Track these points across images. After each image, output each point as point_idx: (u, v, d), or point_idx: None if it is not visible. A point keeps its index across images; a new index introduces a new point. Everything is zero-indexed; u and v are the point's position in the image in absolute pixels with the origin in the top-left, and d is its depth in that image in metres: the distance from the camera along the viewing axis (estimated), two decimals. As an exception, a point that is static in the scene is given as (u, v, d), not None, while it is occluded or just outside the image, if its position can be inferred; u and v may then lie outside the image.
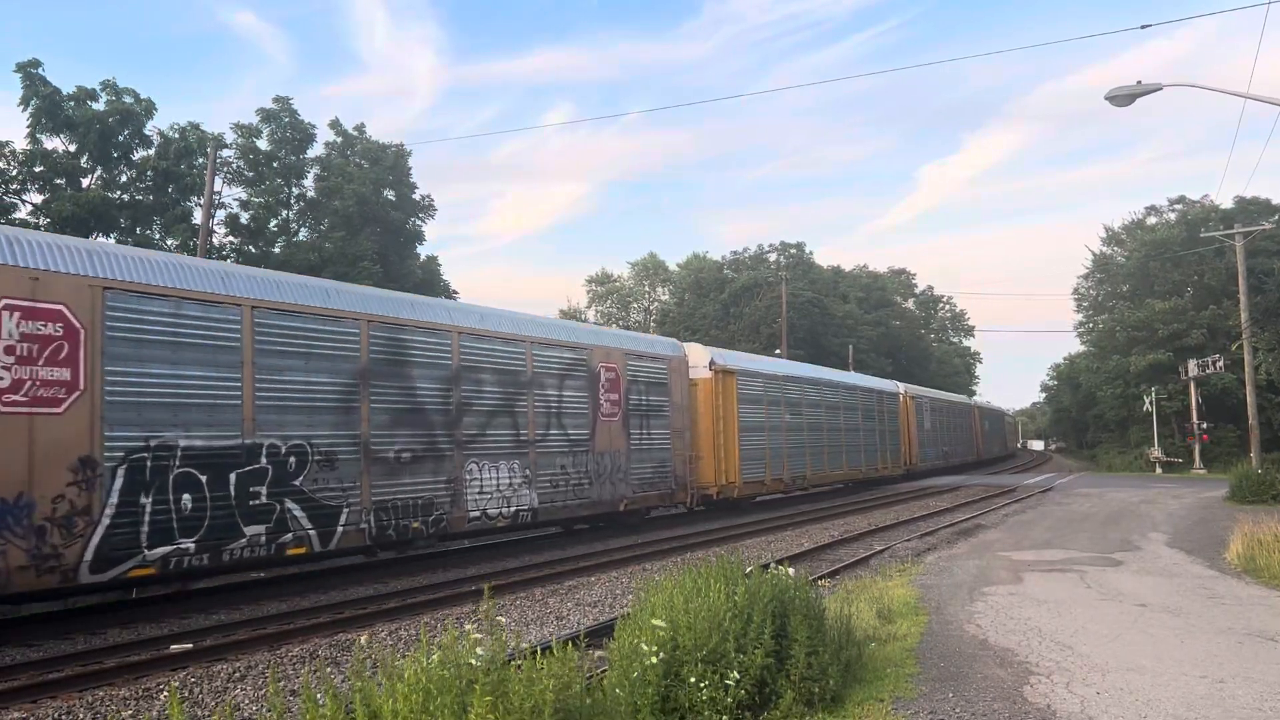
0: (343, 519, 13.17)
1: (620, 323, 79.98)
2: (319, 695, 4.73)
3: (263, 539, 12.00)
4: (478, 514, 15.54)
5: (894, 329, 78.47)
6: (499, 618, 10.47)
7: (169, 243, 32.64)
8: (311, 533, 12.69)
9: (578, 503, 17.92)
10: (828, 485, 32.09)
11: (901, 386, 42.04)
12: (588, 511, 18.30)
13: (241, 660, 9.24)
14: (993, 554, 15.19)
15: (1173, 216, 57.25)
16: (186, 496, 11.20)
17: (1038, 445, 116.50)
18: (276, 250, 36.00)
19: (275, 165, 37.56)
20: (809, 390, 29.74)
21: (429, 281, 40.44)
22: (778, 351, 49.54)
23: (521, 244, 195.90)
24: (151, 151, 32.38)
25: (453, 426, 15.22)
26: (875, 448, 35.68)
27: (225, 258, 34.23)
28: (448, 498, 14.94)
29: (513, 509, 16.28)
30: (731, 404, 24.06)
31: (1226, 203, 52.43)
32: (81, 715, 7.55)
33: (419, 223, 42.11)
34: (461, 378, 15.51)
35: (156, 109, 32.21)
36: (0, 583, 9.48)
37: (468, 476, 15.42)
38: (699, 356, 23.65)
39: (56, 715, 7.54)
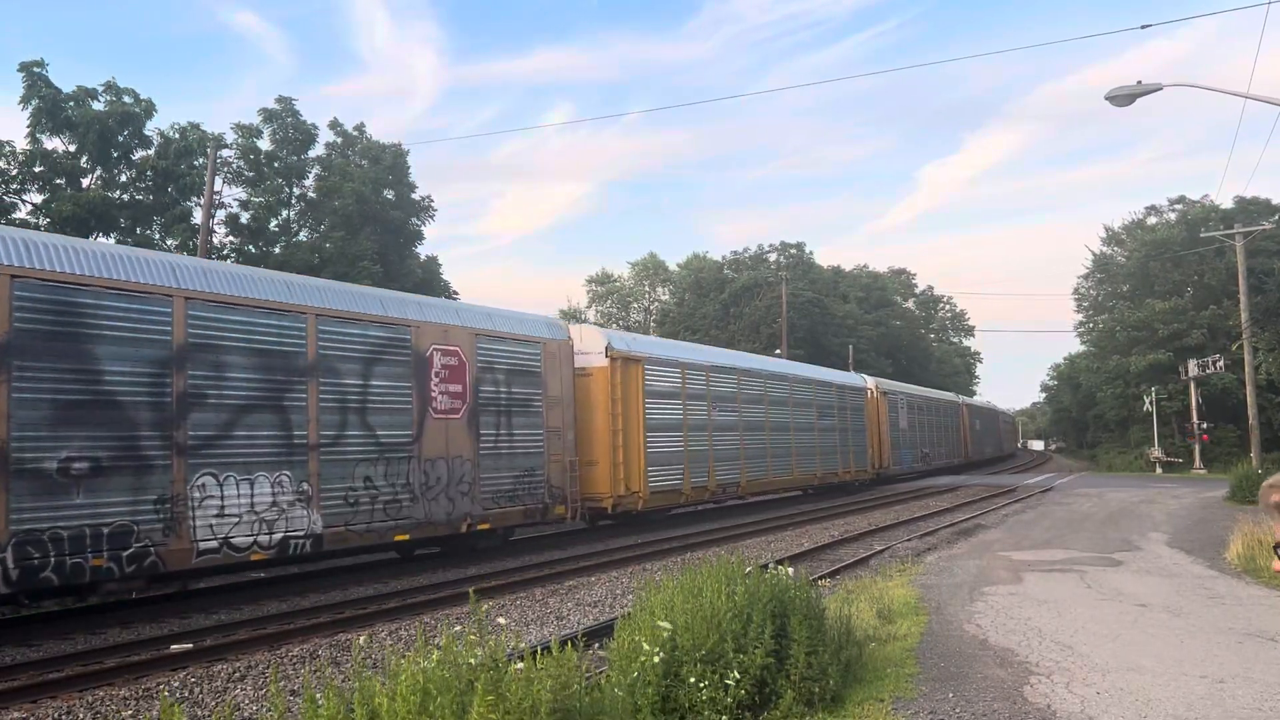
0: None
1: (620, 323, 79.98)
2: (318, 695, 4.74)
3: None
4: (214, 544, 11.58)
5: (894, 329, 78.47)
6: (499, 619, 10.48)
7: (169, 243, 32.65)
8: None
9: (391, 524, 14.00)
10: (771, 493, 28.46)
11: (870, 380, 38.01)
12: (410, 534, 14.40)
13: (241, 660, 9.25)
14: (993, 554, 15.19)
15: (1173, 216, 57.32)
16: None
17: (1038, 445, 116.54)
18: (277, 250, 36.02)
19: (276, 165, 37.56)
20: (747, 383, 25.76)
21: (429, 281, 40.44)
22: (778, 351, 49.39)
23: (521, 244, 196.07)
24: (151, 151, 32.39)
25: (172, 425, 11.29)
26: (835, 449, 31.65)
27: (226, 258, 34.25)
28: (158, 523, 10.95)
29: (278, 536, 12.31)
30: (636, 398, 20.25)
31: (1226, 203, 52.56)
32: (81, 715, 7.55)
33: (418, 223, 42.13)
34: (191, 359, 11.58)
35: (156, 109, 32.23)
36: None
37: (197, 494, 11.46)
38: (592, 340, 19.88)
39: (56, 715, 7.55)
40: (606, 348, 19.73)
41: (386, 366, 14.32)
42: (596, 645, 8.42)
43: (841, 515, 24.58)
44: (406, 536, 14.43)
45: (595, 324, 23.43)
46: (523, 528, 18.16)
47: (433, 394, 15.07)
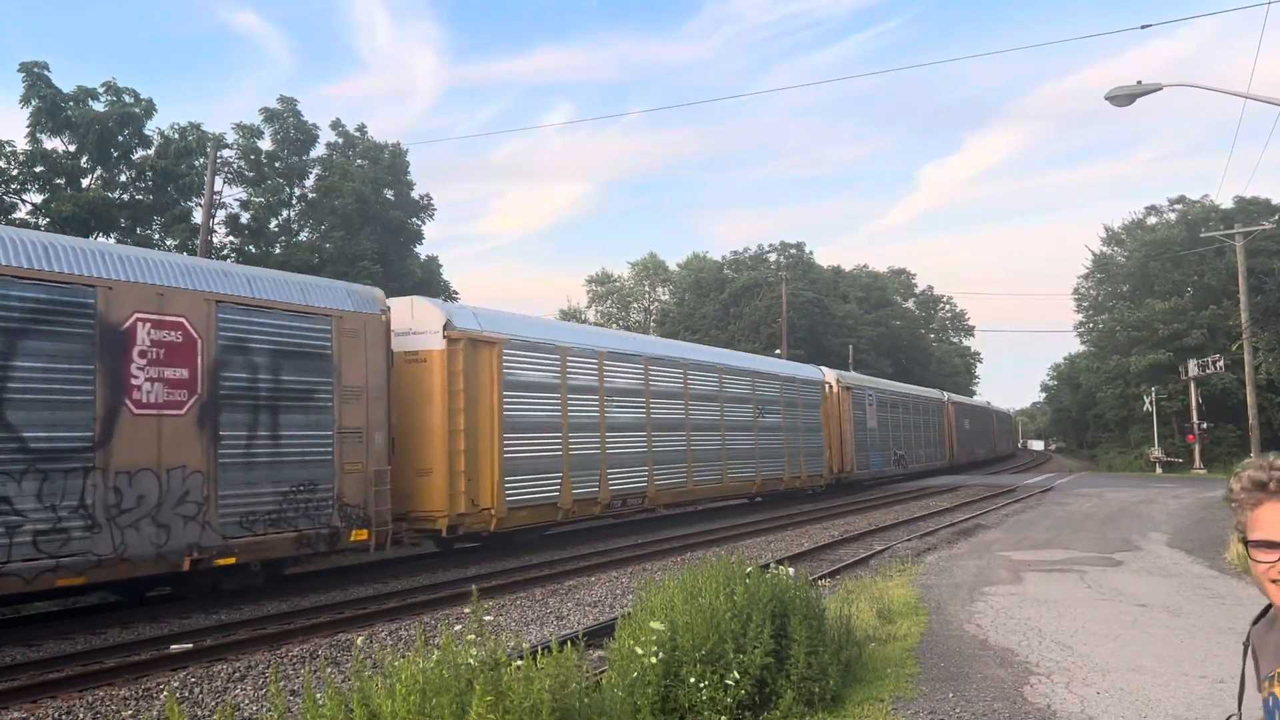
0: None
1: (620, 323, 79.96)
2: (318, 695, 4.74)
3: None
4: None
5: (894, 329, 78.51)
6: (496, 618, 10.47)
7: (169, 242, 32.65)
8: None
9: (49, 564, 9.95)
10: (694, 504, 24.57)
11: (830, 373, 33.68)
12: (86, 577, 10.36)
13: (241, 660, 9.25)
14: (993, 554, 15.20)
15: (1173, 216, 57.37)
16: None
17: (1038, 445, 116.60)
18: (277, 250, 36.03)
19: (277, 165, 37.59)
20: (660, 373, 21.74)
21: (429, 281, 40.44)
22: (777, 351, 49.35)
23: (521, 244, 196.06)
24: (151, 152, 32.40)
25: None
26: (781, 451, 27.55)
27: (226, 258, 34.25)
28: None
29: None
30: (489, 390, 16.19)
31: (1226, 203, 52.61)
32: (81, 715, 7.55)
33: (418, 223, 42.17)
34: None
35: (156, 109, 32.21)
36: None
37: None
38: (427, 316, 15.89)
39: (56, 715, 7.55)
40: (445, 325, 15.73)
41: (46, 341, 10.31)
42: (598, 647, 8.41)
43: (841, 515, 24.60)
44: (81, 579, 10.33)
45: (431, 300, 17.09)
46: (303, 559, 14.06)
47: (133, 381, 11.00)
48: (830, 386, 32.62)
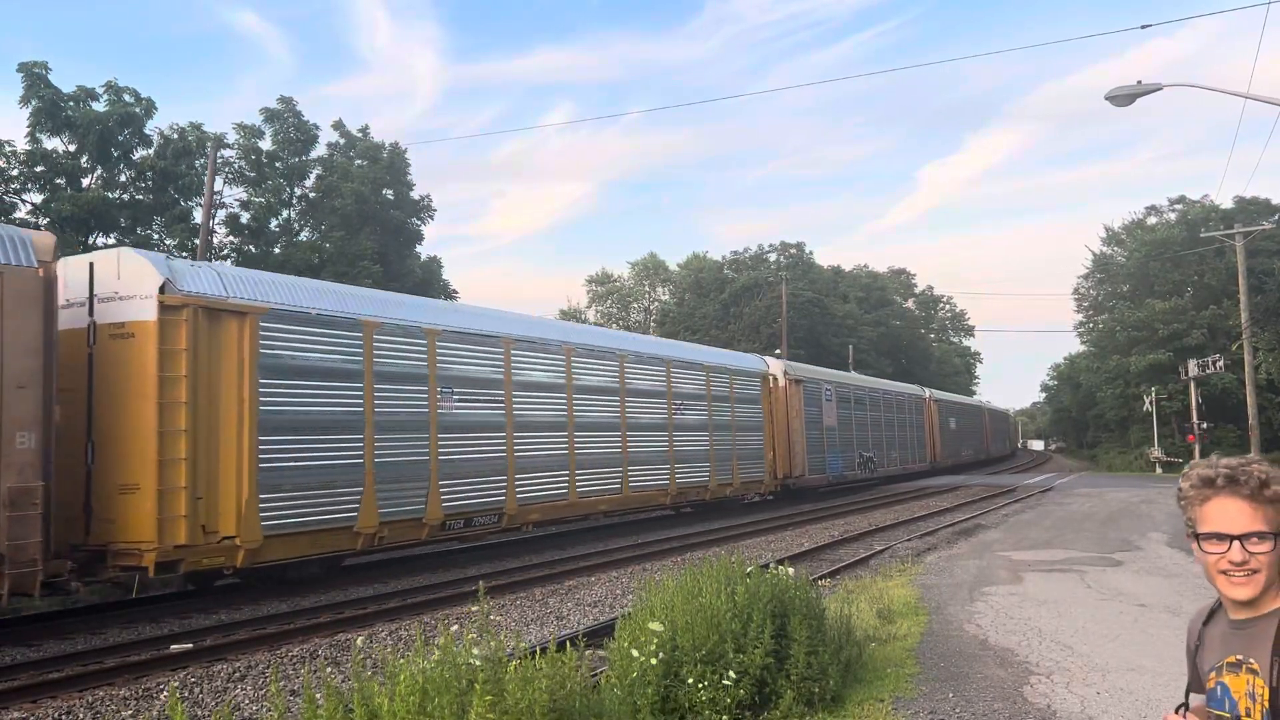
0: None
1: (620, 323, 79.94)
2: (318, 695, 4.74)
3: None
4: None
5: (894, 329, 78.54)
6: (497, 618, 10.47)
7: (169, 242, 32.65)
8: None
9: None
10: (579, 520, 20.29)
11: (776, 364, 29.30)
12: None
13: (241, 660, 9.25)
14: (993, 554, 15.20)
15: (1173, 216, 57.35)
16: None
17: (1038, 445, 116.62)
18: (277, 250, 36.04)
19: (278, 165, 37.60)
20: (531, 360, 17.50)
21: (429, 281, 40.47)
22: (777, 352, 49.15)
23: (521, 244, 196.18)
24: (151, 151, 32.40)
25: None
26: (705, 454, 23.49)
27: (226, 258, 34.26)
28: None
29: None
30: (236, 376, 12.07)
31: (1226, 203, 52.58)
32: (81, 715, 7.56)
33: (418, 223, 42.20)
34: None
35: (156, 109, 32.22)
36: None
37: None
38: (135, 276, 11.59)
39: (56, 715, 7.55)
40: (163, 287, 11.46)
41: None
42: (599, 647, 8.42)
43: (841, 515, 24.62)
44: None
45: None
46: None
47: None
48: (774, 379, 28.21)
